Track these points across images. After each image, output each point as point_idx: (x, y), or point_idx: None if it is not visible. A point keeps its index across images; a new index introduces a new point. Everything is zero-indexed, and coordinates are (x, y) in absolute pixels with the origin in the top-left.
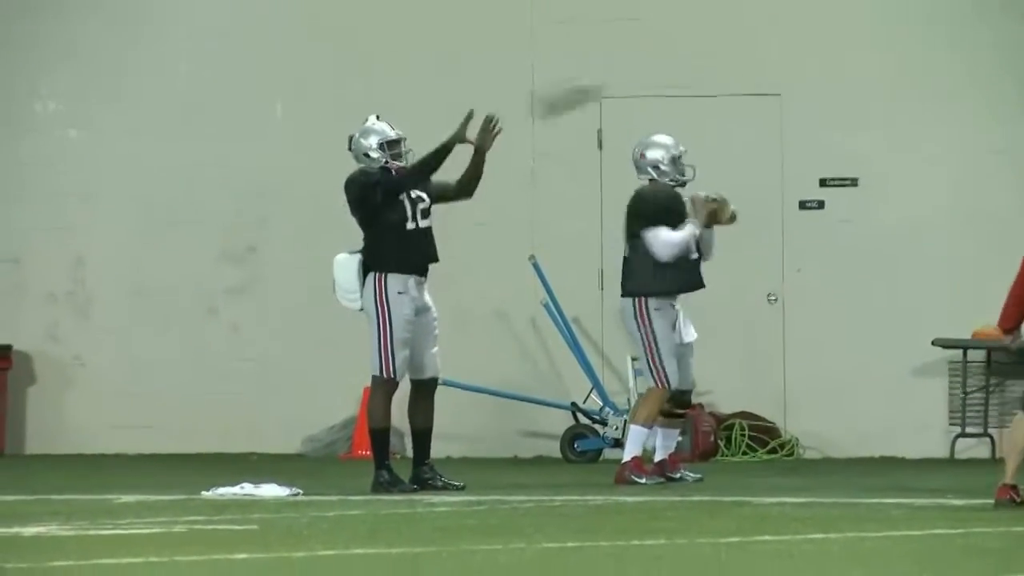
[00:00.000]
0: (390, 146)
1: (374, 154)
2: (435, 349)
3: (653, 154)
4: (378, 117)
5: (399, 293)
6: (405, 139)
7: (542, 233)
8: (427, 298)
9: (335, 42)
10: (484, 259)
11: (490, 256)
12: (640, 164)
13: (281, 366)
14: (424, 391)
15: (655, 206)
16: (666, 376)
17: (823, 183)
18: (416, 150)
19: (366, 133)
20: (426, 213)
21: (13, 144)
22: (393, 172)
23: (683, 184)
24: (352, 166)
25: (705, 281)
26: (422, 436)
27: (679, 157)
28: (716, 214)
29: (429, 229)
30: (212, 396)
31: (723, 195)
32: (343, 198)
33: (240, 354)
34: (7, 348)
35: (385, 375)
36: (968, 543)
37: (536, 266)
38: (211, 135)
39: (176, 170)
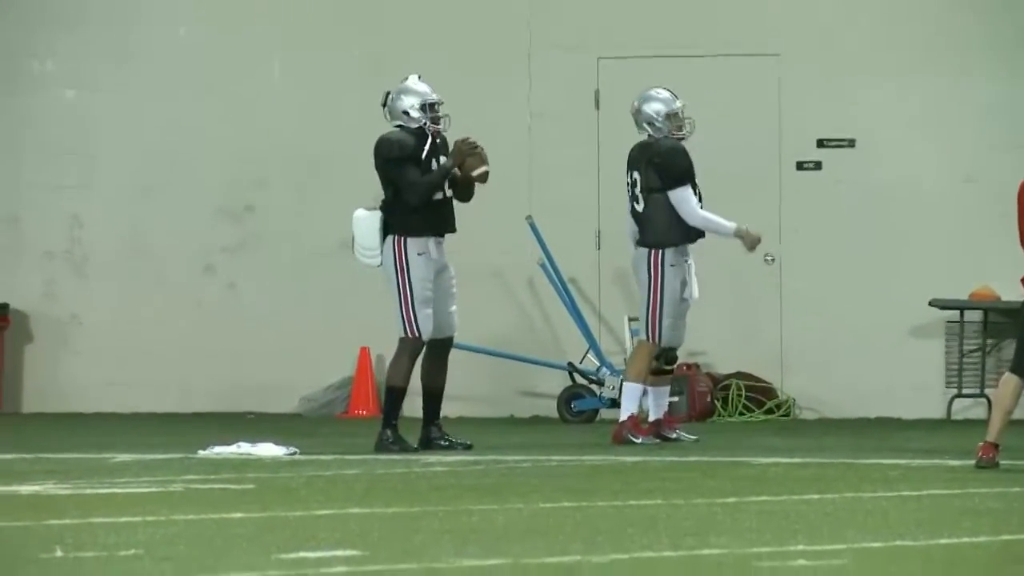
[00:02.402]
0: (431, 108)
1: (415, 114)
2: (454, 307)
3: (649, 108)
4: (420, 77)
5: (419, 255)
6: (443, 103)
7: (539, 194)
8: (444, 258)
9: (334, 1)
10: (481, 220)
11: (487, 217)
12: (637, 118)
13: (278, 325)
14: (440, 350)
15: (681, 167)
16: (660, 331)
17: (821, 144)
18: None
19: (406, 92)
20: (450, 184)
21: (11, 103)
22: (428, 134)
23: (681, 140)
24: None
25: (702, 242)
26: (434, 396)
27: (676, 113)
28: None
29: (450, 199)
30: (209, 355)
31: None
32: (341, 157)
33: (237, 313)
34: (4, 307)
35: (411, 335)
36: (965, 503)
37: (533, 226)
38: (209, 95)
39: (174, 129)
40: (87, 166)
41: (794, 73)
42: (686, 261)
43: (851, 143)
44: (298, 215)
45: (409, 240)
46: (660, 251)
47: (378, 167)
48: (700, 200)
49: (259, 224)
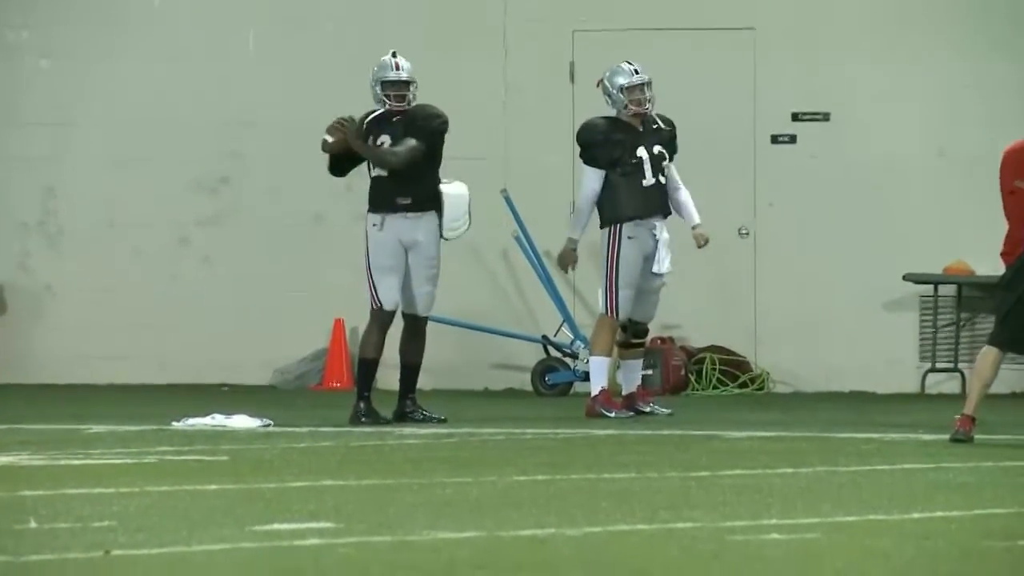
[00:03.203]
0: (384, 87)
1: (376, 90)
2: (428, 288)
3: (608, 81)
4: (394, 54)
5: (372, 226)
6: (412, 82)
7: (514, 166)
8: (420, 236)
9: None
10: None
11: None
12: (602, 91)
13: (252, 298)
14: (413, 327)
15: (588, 143)
16: (617, 305)
17: (795, 117)
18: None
19: (377, 68)
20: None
21: None
22: (386, 111)
23: (641, 115)
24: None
25: (676, 216)
26: (408, 371)
27: (636, 86)
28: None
29: (392, 176)
30: (183, 327)
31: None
32: (315, 130)
33: (211, 285)
34: None
35: (373, 305)
36: (938, 478)
37: (508, 199)
38: (184, 67)
39: (149, 101)
40: (61, 137)
41: (769, 47)
42: (653, 234)
43: (826, 117)
44: (273, 188)
45: (368, 213)
46: (618, 226)
47: None
48: (655, 171)
49: (234, 197)
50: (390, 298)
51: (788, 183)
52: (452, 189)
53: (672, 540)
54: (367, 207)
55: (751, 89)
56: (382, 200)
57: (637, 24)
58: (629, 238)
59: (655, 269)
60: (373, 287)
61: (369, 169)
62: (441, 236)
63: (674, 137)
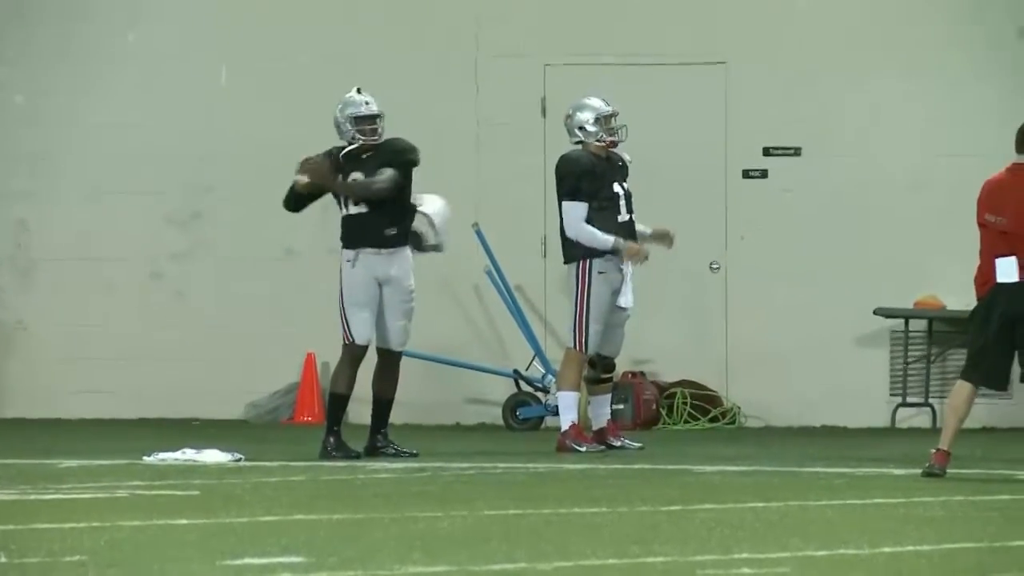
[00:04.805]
0: (356, 122)
1: (345, 127)
2: (403, 322)
3: (579, 116)
4: (359, 90)
5: (347, 261)
6: (381, 115)
7: (486, 201)
8: (394, 271)
9: (282, 7)
10: None
11: None
12: (568, 126)
13: (224, 332)
14: (387, 361)
15: (572, 175)
16: (586, 340)
17: (767, 152)
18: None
19: (344, 104)
20: (355, 202)
21: None
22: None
23: (613, 144)
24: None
25: (647, 250)
26: (380, 405)
27: (607, 117)
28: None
29: (371, 214)
30: (155, 362)
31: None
32: (287, 163)
33: (184, 320)
34: None
35: (345, 340)
36: (909, 512)
37: (479, 233)
38: (157, 100)
39: (121, 134)
40: (34, 171)
41: (740, 81)
42: (620, 269)
43: (797, 151)
44: (245, 222)
45: (343, 250)
46: (588, 261)
47: None
48: (628, 207)
49: (206, 231)
50: (363, 333)
51: (759, 217)
52: (434, 203)
53: (643, 574)
54: (341, 243)
55: (722, 123)
56: (358, 236)
57: (608, 59)
58: (600, 273)
59: (621, 303)
60: (346, 321)
61: (342, 206)
62: (434, 248)
63: (626, 172)
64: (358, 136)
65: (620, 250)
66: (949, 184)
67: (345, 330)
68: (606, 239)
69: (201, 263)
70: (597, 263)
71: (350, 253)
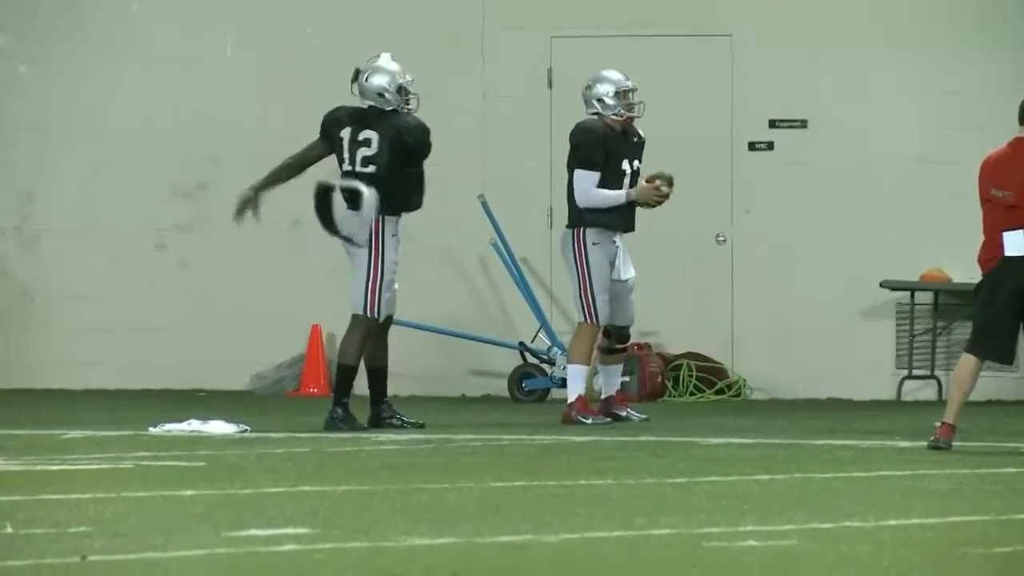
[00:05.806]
0: (402, 91)
1: (389, 96)
2: (395, 287)
3: (599, 88)
4: (392, 56)
5: (392, 235)
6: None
7: (492, 173)
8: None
9: None
10: (434, 198)
11: (439, 195)
12: (586, 97)
13: (230, 303)
14: (383, 329)
15: (587, 144)
16: (595, 311)
17: (773, 124)
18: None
19: (379, 71)
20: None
21: None
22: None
23: (631, 119)
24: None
25: (653, 223)
26: (378, 375)
27: (627, 92)
28: None
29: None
30: (160, 333)
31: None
32: (293, 134)
33: (189, 291)
34: None
35: (369, 315)
36: (914, 485)
37: (485, 205)
38: (162, 72)
39: (126, 106)
40: (39, 142)
41: (746, 53)
42: (613, 241)
43: (803, 124)
44: None
45: (386, 219)
46: (581, 230)
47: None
48: (632, 185)
49: (211, 202)
50: (384, 310)
51: (765, 190)
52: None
53: (648, 547)
54: (383, 213)
55: (728, 96)
56: (401, 203)
57: (615, 30)
58: (594, 244)
59: (622, 276)
60: (377, 299)
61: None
62: (346, 239)
63: (641, 149)
64: (404, 107)
65: (633, 197)
66: (955, 157)
67: (372, 306)
68: (618, 194)
69: (206, 234)
70: (591, 233)
71: (393, 223)
